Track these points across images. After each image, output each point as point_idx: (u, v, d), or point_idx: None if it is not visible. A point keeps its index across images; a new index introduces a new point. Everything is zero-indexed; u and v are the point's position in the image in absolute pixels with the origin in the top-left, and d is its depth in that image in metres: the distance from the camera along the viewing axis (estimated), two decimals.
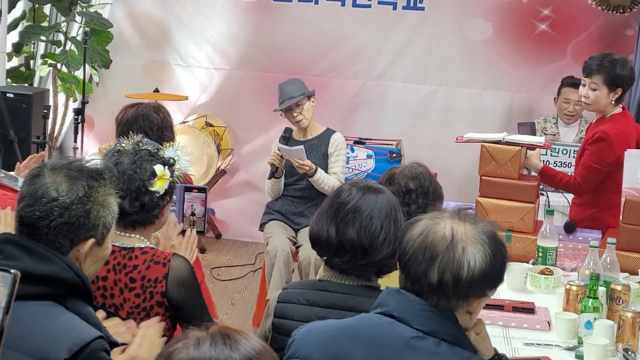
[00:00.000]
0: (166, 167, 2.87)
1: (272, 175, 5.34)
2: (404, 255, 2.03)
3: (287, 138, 5.40)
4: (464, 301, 2.00)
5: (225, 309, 5.79)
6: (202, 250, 6.75)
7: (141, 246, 2.83)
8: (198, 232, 3.55)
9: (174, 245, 3.14)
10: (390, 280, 2.66)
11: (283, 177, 5.40)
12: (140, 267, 2.79)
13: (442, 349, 1.95)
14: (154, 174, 2.83)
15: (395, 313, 2.00)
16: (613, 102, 4.40)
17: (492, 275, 2.01)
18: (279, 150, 5.27)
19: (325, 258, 2.65)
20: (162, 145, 3.05)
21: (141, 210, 2.83)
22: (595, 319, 3.10)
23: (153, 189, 2.83)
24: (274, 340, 2.66)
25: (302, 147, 5.25)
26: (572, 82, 6.18)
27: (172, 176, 2.90)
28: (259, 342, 1.51)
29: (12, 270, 1.40)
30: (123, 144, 2.94)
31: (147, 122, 4.11)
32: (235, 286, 6.27)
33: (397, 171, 3.26)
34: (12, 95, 6.09)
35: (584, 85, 4.43)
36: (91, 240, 2.18)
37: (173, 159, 2.92)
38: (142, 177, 2.82)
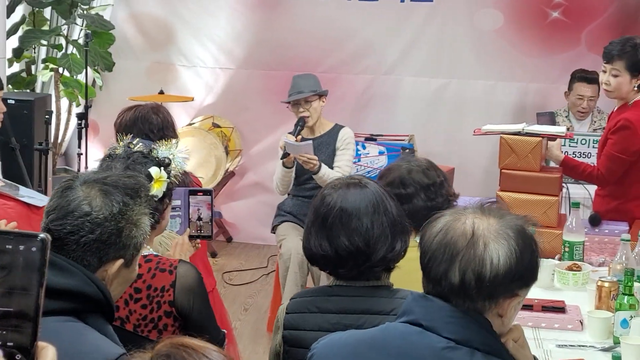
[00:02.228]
0: (162, 168, 2.70)
1: (284, 157, 5.10)
2: (424, 255, 1.88)
3: (301, 127, 5.20)
4: (491, 302, 1.82)
5: (238, 315, 5.63)
6: (213, 254, 6.59)
7: (144, 254, 2.66)
8: (205, 237, 3.38)
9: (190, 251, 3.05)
10: (401, 272, 2.53)
11: (294, 170, 5.20)
12: (145, 276, 2.62)
13: (477, 359, 1.77)
14: (149, 178, 2.66)
15: (422, 321, 1.82)
16: (635, 88, 4.22)
17: (520, 272, 1.83)
18: (285, 146, 5.08)
19: (328, 271, 2.51)
20: None
21: (152, 220, 2.65)
22: (631, 317, 2.92)
23: (151, 194, 2.66)
24: (286, 354, 2.50)
25: (310, 142, 5.09)
26: (584, 77, 5.98)
27: (169, 177, 2.72)
28: (217, 357, 1.33)
29: (40, 235, 1.25)
30: (116, 150, 2.76)
31: (147, 124, 3.96)
32: (248, 291, 6.10)
33: (403, 172, 3.13)
34: (13, 102, 5.93)
35: (605, 72, 4.25)
36: (120, 261, 2.02)
37: (168, 158, 2.75)
38: None
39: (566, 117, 6.09)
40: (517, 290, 1.86)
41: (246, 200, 7.12)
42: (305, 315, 2.48)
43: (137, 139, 2.93)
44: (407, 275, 2.54)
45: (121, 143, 2.82)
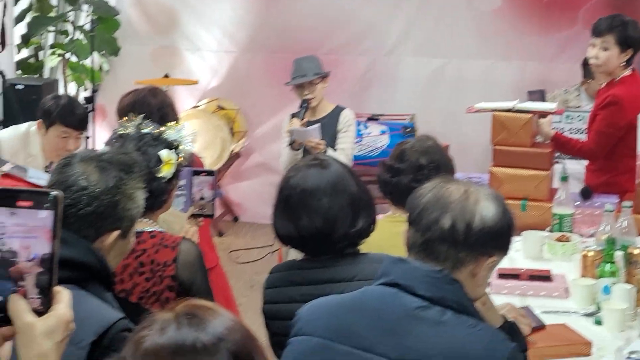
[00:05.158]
0: (171, 150, 2.84)
1: (292, 142, 5.19)
2: (415, 209, 2.03)
3: (305, 108, 5.29)
4: (471, 256, 1.98)
5: (244, 292, 5.78)
6: (219, 233, 6.75)
7: (149, 230, 2.81)
8: (207, 216, 3.53)
9: (194, 229, 3.19)
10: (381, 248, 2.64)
11: (301, 151, 5.30)
12: (150, 251, 2.77)
13: (448, 318, 1.92)
14: (159, 160, 2.80)
15: (400, 281, 1.97)
16: (624, 63, 4.34)
17: (502, 233, 2.01)
18: (292, 132, 5.16)
19: (299, 250, 2.64)
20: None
21: (150, 197, 2.79)
22: (613, 283, 3.06)
23: (160, 175, 2.81)
24: (267, 326, 2.65)
25: (318, 125, 5.17)
26: None
27: (177, 159, 2.87)
28: (229, 317, 1.45)
29: (52, 193, 1.40)
30: (126, 128, 2.90)
31: (146, 107, 4.08)
32: (254, 268, 6.26)
33: (407, 147, 3.21)
34: (22, 87, 6.09)
35: (594, 46, 4.37)
36: (116, 232, 2.18)
37: (177, 140, 2.89)
38: (148, 164, 2.78)
39: (577, 95, 6.15)
40: (495, 250, 2.01)
41: (252, 181, 7.27)
42: (281, 289, 2.62)
43: (146, 121, 3.06)
44: (387, 250, 2.68)
45: (130, 123, 2.96)
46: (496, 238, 1.99)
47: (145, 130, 2.90)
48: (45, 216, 1.40)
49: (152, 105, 4.06)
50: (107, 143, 2.97)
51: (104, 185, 2.15)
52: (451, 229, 1.96)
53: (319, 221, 2.53)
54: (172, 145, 2.88)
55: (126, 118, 3.12)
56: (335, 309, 2.03)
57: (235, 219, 7.22)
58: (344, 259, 2.58)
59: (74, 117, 4.42)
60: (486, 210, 1.98)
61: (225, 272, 6.00)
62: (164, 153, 2.83)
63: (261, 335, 4.99)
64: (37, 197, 1.41)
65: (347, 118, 5.41)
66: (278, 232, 2.63)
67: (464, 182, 2.05)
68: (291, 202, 2.56)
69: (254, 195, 7.22)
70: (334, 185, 2.56)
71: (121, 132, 2.91)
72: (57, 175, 2.19)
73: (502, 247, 2.02)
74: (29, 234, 1.40)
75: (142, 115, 3.12)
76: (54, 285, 1.43)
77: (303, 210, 2.54)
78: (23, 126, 4.62)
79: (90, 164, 2.19)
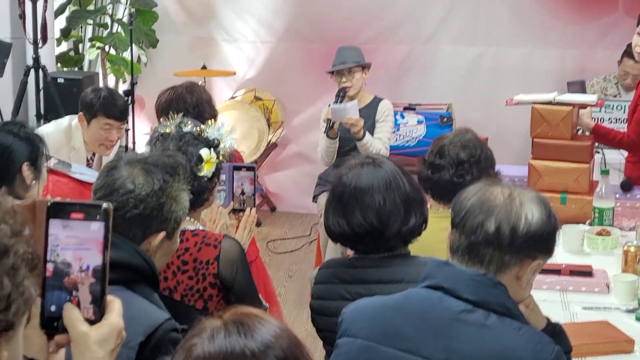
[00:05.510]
0: (211, 149, 2.87)
1: (328, 129, 5.23)
2: (459, 212, 2.04)
3: (342, 97, 5.32)
4: (516, 259, 1.99)
5: (283, 282, 5.83)
6: (257, 224, 6.78)
7: (192, 228, 2.85)
8: None
9: (233, 224, 3.17)
10: (421, 243, 2.67)
11: (337, 140, 5.32)
12: (192, 250, 2.81)
13: (492, 321, 1.93)
14: (200, 159, 2.83)
15: (444, 284, 1.98)
16: None
17: (547, 236, 2.01)
18: (329, 113, 5.19)
19: (349, 247, 2.66)
20: (203, 123, 3.04)
21: (191, 196, 2.83)
22: None
23: (201, 174, 2.84)
24: (313, 321, 2.69)
25: (355, 101, 5.19)
26: (631, 53, 5.98)
27: (218, 158, 2.90)
28: (276, 325, 1.49)
29: (103, 205, 1.44)
30: (166, 128, 2.94)
31: (182, 104, 4.12)
32: (292, 258, 6.29)
33: (446, 142, 3.20)
34: (62, 81, 6.16)
35: (638, 34, 4.32)
36: (162, 233, 2.22)
37: (217, 139, 2.92)
38: (189, 163, 2.81)
39: (615, 83, 6.09)
40: (539, 254, 2.02)
41: (289, 171, 7.29)
42: (329, 285, 2.65)
43: (187, 118, 3.10)
44: (432, 245, 2.69)
45: (171, 121, 3.00)
46: (541, 241, 2.00)
47: (185, 129, 2.93)
48: (97, 228, 1.44)
49: (189, 102, 4.12)
50: (149, 143, 3.00)
51: (150, 188, 2.20)
52: (496, 232, 1.96)
53: (373, 218, 2.55)
54: (212, 144, 2.91)
55: (164, 117, 3.17)
56: (380, 311, 2.05)
57: (273, 209, 7.26)
58: (394, 259, 2.61)
59: (116, 108, 4.50)
60: (531, 213, 1.98)
61: (263, 262, 6.10)
62: (204, 152, 2.86)
63: (301, 325, 5.04)
64: (88, 210, 1.45)
65: (385, 108, 5.43)
66: (331, 229, 2.64)
67: (508, 185, 2.05)
68: (344, 199, 2.59)
69: (291, 185, 7.25)
70: (388, 183, 2.59)
71: (162, 132, 2.94)
72: (104, 178, 2.24)
73: (546, 250, 2.03)
74: (81, 246, 1.44)
75: (181, 114, 3.16)
76: (106, 295, 1.47)
77: (356, 206, 2.57)
78: (64, 120, 4.69)
79: (136, 167, 2.23)
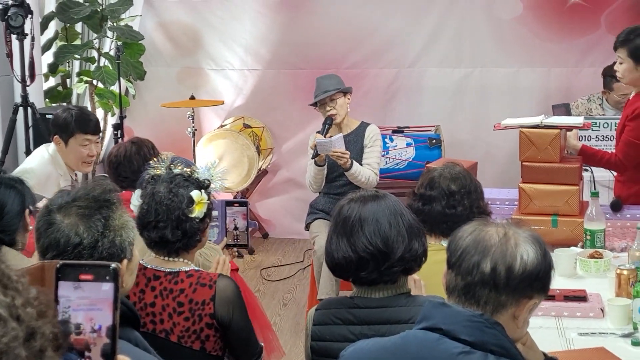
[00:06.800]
0: (202, 190, 2.89)
1: (315, 156, 5.24)
2: (455, 252, 2.05)
3: (329, 125, 5.34)
4: (512, 299, 2.00)
5: (277, 311, 5.83)
6: (250, 251, 6.80)
7: (186, 269, 2.86)
8: (242, 246, 3.59)
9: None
10: (420, 275, 2.69)
11: (325, 167, 5.35)
12: (187, 291, 2.82)
13: None
14: (191, 201, 2.85)
15: (442, 325, 1.99)
16: None
17: (543, 275, 2.02)
18: (315, 146, 5.22)
19: (351, 279, 2.65)
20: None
21: (183, 237, 2.85)
22: None
23: (193, 216, 2.85)
24: None
25: (341, 135, 5.23)
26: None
27: (209, 198, 2.91)
28: None
29: (112, 266, 1.46)
30: (157, 169, 2.95)
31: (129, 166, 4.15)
32: (286, 286, 6.30)
33: (435, 175, 3.24)
34: (51, 117, 6.16)
35: (620, 63, 4.38)
36: (124, 261, 2.18)
37: (208, 179, 2.94)
38: (180, 206, 2.83)
39: (600, 104, 6.11)
40: (535, 293, 2.04)
41: (280, 197, 7.31)
42: (331, 327, 2.64)
43: (177, 160, 3.11)
44: (426, 279, 2.71)
45: (161, 163, 3.01)
46: (537, 281, 2.01)
47: (176, 171, 2.95)
48: (107, 288, 1.47)
49: (135, 164, 4.13)
50: (139, 185, 3.02)
51: (96, 232, 2.13)
52: (492, 273, 1.98)
53: (379, 240, 2.56)
54: (202, 185, 2.93)
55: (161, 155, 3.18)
56: (379, 354, 2.06)
57: (265, 236, 7.27)
58: (398, 299, 2.61)
59: (91, 122, 4.66)
60: (526, 253, 1.99)
61: (258, 290, 6.10)
62: (195, 194, 2.87)
63: (298, 355, 5.01)
64: (98, 271, 1.47)
65: (372, 133, 5.46)
66: (332, 256, 2.62)
67: (503, 224, 2.06)
68: (349, 224, 2.59)
69: (283, 211, 7.27)
70: (392, 210, 2.61)
71: (152, 174, 2.96)
72: (44, 239, 2.16)
73: (542, 289, 2.04)
74: (94, 306, 1.46)
75: (171, 156, 3.18)
76: (116, 354, 1.48)
77: (361, 231, 2.58)
78: (41, 151, 4.72)
79: (71, 213, 2.15)
